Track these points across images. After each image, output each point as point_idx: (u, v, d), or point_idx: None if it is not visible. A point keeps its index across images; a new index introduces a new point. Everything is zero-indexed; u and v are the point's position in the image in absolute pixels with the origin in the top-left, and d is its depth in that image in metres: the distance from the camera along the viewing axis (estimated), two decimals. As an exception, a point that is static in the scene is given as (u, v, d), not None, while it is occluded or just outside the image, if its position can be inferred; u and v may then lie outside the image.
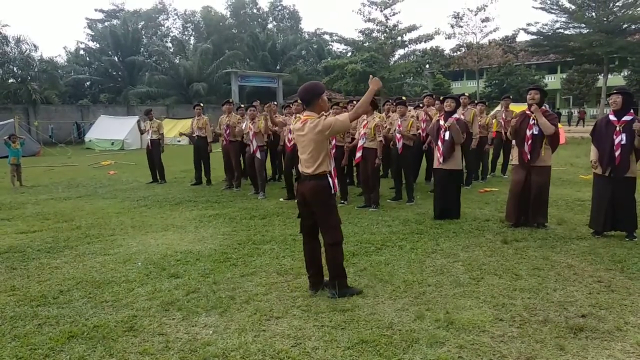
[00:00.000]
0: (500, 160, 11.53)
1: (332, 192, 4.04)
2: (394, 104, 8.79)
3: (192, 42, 49.99)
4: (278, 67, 43.21)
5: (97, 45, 44.58)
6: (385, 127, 8.08)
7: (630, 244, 5.43)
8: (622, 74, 39.50)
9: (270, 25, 52.43)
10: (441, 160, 6.82)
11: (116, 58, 42.25)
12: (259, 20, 52.13)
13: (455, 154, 6.85)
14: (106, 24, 46.81)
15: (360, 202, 8.05)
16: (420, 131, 9.02)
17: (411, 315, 3.68)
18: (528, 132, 6.12)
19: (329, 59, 39.31)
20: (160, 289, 4.36)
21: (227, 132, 10.05)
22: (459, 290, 4.20)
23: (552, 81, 46.66)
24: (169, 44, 48.26)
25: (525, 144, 6.13)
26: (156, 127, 11.36)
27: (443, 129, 6.84)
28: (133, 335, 3.48)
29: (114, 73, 42.75)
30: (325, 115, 4.06)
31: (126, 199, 9.23)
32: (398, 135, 7.97)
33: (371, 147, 7.57)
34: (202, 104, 11.54)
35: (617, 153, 5.57)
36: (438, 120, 7.08)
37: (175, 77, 39.58)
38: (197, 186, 10.76)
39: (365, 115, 7.76)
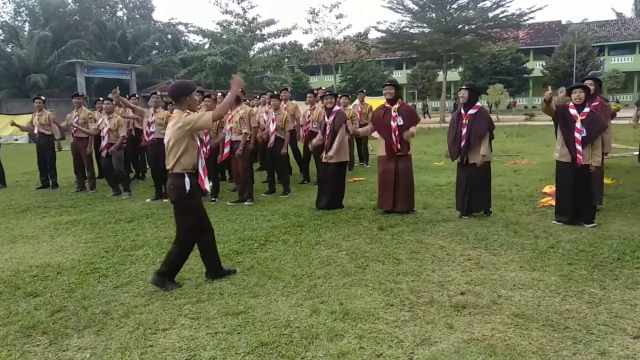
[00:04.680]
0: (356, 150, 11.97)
1: (188, 191, 4.00)
2: (270, 97, 8.67)
3: (27, 28, 44.44)
4: (130, 58, 40.42)
5: None
6: (257, 119, 7.95)
7: (488, 222, 6.00)
8: (458, 70, 44.03)
9: (120, 13, 48.74)
10: (330, 154, 6.81)
11: None
12: (107, 7, 48.13)
13: (342, 146, 6.93)
14: None
15: (233, 197, 7.80)
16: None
17: (307, 311, 3.62)
18: (393, 124, 6.42)
19: (185, 50, 37.78)
20: (17, 312, 3.74)
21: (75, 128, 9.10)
22: (347, 279, 4.24)
23: (399, 76, 50.30)
24: (-1, 31, 42.45)
25: (393, 134, 6.43)
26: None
27: (329, 124, 6.87)
28: (-12, 372, 2.92)
29: None
30: (188, 112, 4.05)
31: (-44, 209, 7.83)
32: (272, 129, 7.89)
33: (239, 140, 7.38)
34: (42, 97, 10.19)
35: (462, 143, 6.15)
36: (324, 117, 7.10)
37: (8, 67, 34.98)
38: (45, 190, 9.55)
39: (230, 109, 7.54)
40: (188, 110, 4.04)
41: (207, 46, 38.30)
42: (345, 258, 4.82)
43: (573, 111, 5.68)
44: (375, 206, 6.86)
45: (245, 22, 35.13)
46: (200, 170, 4.18)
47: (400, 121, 6.38)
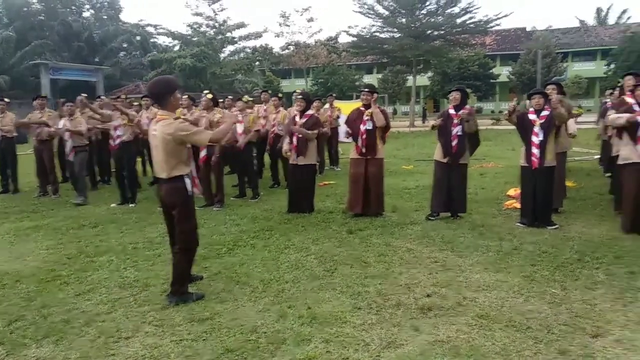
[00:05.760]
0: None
1: (190, 194, 3.86)
2: (234, 100, 8.64)
3: (-11, 28, 43.00)
4: (97, 60, 39.59)
5: None
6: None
7: (455, 225, 6.08)
8: (427, 75, 44.68)
9: (86, 14, 47.59)
10: (295, 156, 6.84)
11: None
12: (73, 7, 46.92)
13: (310, 149, 6.93)
14: None
15: (201, 202, 7.68)
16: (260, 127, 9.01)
17: (274, 316, 3.59)
18: (362, 128, 6.49)
19: (154, 53, 37.25)
20: (-28, 322, 3.60)
21: (39, 131, 8.86)
22: (316, 283, 4.24)
23: (370, 81, 50.58)
24: (-41, 30, 40.91)
25: (360, 138, 6.50)
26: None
27: (299, 125, 6.86)
28: (-62, 386, 2.79)
29: None
30: (183, 119, 3.88)
31: None
32: (240, 131, 7.82)
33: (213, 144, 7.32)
34: (6, 99, 9.88)
35: (454, 143, 6.22)
36: (293, 117, 7.10)
37: (-31, 68, 33.79)
38: (5, 195, 9.25)
39: (206, 112, 7.49)
40: (182, 117, 3.90)
41: (176, 48, 37.84)
42: (314, 262, 4.81)
43: (532, 116, 5.86)
44: (345, 209, 6.88)
45: (216, 24, 34.92)
46: (194, 173, 4.07)
47: (369, 125, 6.45)
